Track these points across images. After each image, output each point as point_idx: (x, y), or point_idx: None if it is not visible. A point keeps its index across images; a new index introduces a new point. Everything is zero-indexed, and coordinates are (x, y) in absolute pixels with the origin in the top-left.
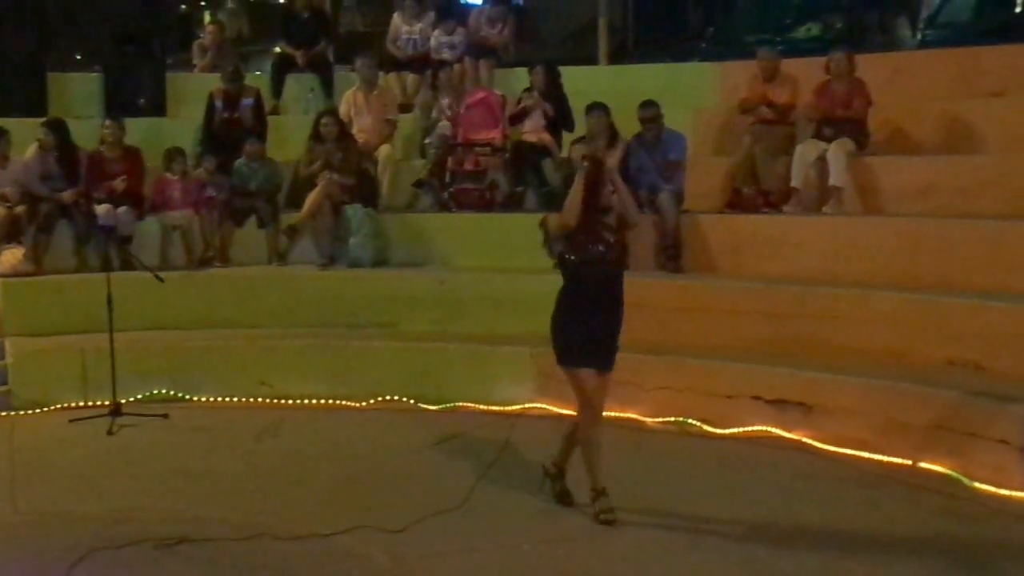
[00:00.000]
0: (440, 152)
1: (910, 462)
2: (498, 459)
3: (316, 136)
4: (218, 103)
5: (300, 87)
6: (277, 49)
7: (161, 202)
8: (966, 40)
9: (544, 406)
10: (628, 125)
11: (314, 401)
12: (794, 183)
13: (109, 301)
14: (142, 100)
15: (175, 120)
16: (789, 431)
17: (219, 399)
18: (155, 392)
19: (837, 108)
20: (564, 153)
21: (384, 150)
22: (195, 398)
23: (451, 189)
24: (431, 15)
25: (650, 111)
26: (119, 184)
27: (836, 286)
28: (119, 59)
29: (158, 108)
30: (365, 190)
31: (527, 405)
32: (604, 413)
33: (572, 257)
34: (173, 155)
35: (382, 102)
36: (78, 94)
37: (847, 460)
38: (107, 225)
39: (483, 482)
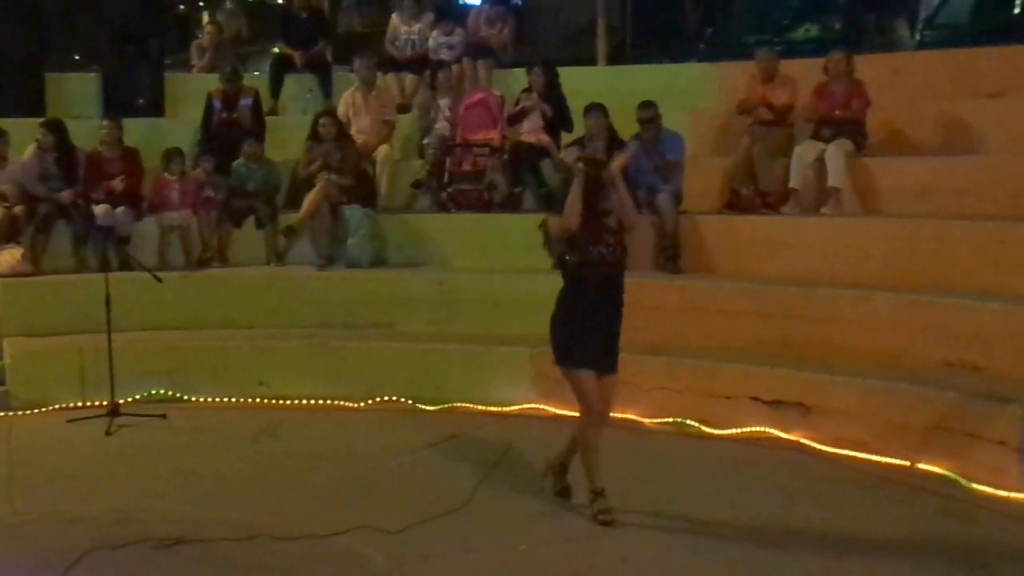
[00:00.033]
0: (438, 153)
1: (908, 463)
2: (500, 461)
3: (314, 136)
4: (216, 103)
5: (299, 87)
6: (276, 49)
7: (159, 202)
8: (964, 41)
9: (542, 407)
10: (626, 126)
11: (312, 401)
12: (792, 184)
13: (107, 301)
14: (140, 100)
15: (173, 120)
16: (787, 432)
17: (217, 399)
18: (153, 392)
19: (835, 109)
20: (562, 154)
21: (382, 150)
22: (193, 398)
23: (449, 190)
24: (430, 16)
25: (648, 112)
26: (117, 184)
27: (834, 287)
28: (117, 59)
29: (156, 108)
30: (363, 190)
31: (525, 406)
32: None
33: (572, 259)
34: (171, 155)
35: (380, 103)
36: (76, 94)
37: (845, 461)
38: (105, 225)
39: (482, 483)
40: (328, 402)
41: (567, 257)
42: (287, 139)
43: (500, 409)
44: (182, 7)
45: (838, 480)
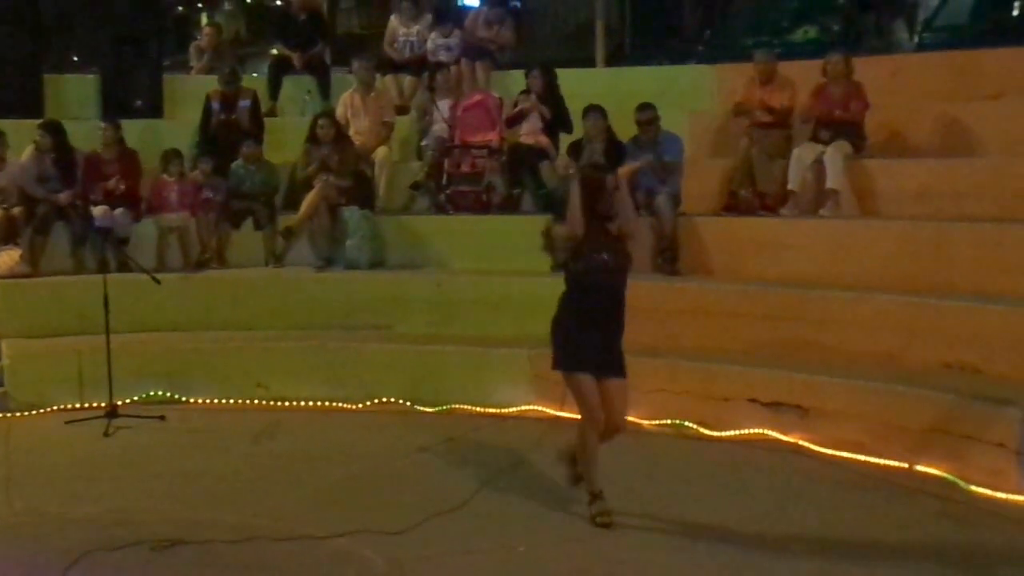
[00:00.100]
0: (437, 154)
1: (906, 465)
2: (504, 468)
3: (313, 138)
4: (215, 105)
5: (297, 89)
6: (274, 51)
7: (158, 204)
8: (964, 43)
9: (540, 408)
10: (625, 127)
11: (310, 403)
12: (791, 186)
13: (106, 303)
14: (139, 102)
15: (172, 122)
16: (785, 434)
17: (216, 401)
18: (151, 394)
19: (834, 111)
20: (561, 155)
21: (381, 152)
22: (192, 400)
23: (448, 191)
24: (428, 17)
25: (647, 113)
26: (112, 184)
27: (833, 289)
28: (116, 61)
29: (155, 110)
30: (362, 192)
31: (524, 407)
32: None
33: (576, 266)
34: (170, 157)
35: (379, 104)
36: (75, 96)
37: (843, 463)
38: (104, 227)
39: (480, 484)
40: (326, 403)
41: (571, 264)
42: (285, 140)
43: (498, 411)
44: (181, 9)
45: (836, 482)
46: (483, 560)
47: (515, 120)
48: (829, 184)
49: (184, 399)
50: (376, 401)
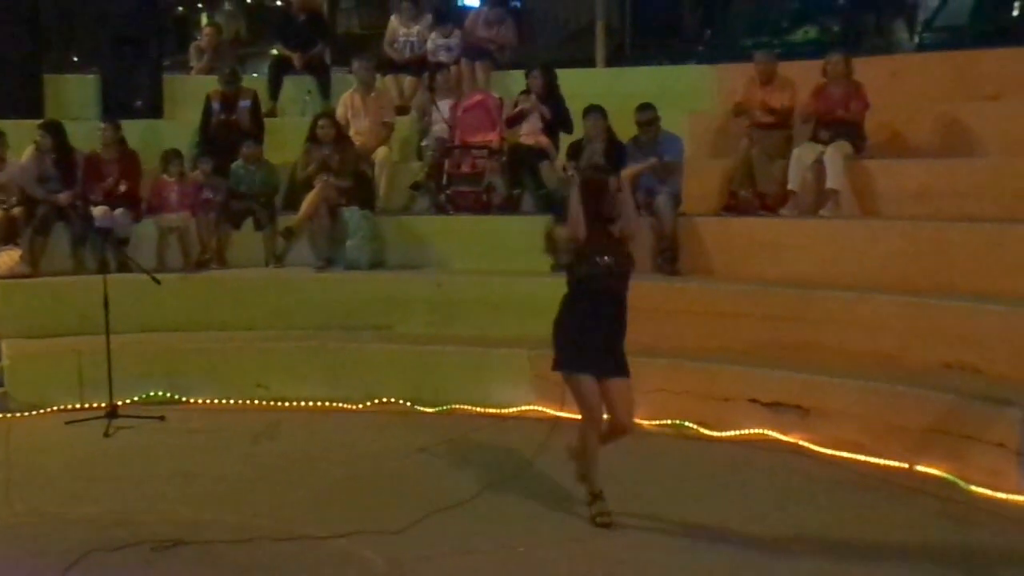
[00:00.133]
0: (437, 154)
1: (907, 465)
2: (504, 469)
3: (313, 138)
4: (215, 105)
5: (297, 89)
6: (274, 51)
7: (158, 204)
8: (963, 43)
9: (541, 408)
10: (625, 128)
11: (311, 403)
12: (791, 186)
13: (106, 303)
14: (139, 102)
15: (172, 122)
16: (786, 434)
17: (216, 401)
18: (152, 394)
19: (834, 111)
20: (561, 155)
21: (381, 152)
22: (192, 400)
23: (448, 191)
24: (428, 17)
25: (647, 114)
26: (110, 184)
27: (833, 289)
28: (116, 61)
29: (155, 110)
30: (362, 192)
31: (524, 407)
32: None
33: (578, 268)
34: (170, 157)
35: (379, 104)
36: (75, 96)
37: (844, 463)
38: (104, 227)
39: (481, 484)
40: (327, 404)
41: (573, 267)
42: (286, 141)
43: (499, 411)
44: (181, 9)
45: (837, 482)
46: (483, 560)
47: (515, 120)
48: (829, 184)
49: (184, 399)
50: (376, 401)
